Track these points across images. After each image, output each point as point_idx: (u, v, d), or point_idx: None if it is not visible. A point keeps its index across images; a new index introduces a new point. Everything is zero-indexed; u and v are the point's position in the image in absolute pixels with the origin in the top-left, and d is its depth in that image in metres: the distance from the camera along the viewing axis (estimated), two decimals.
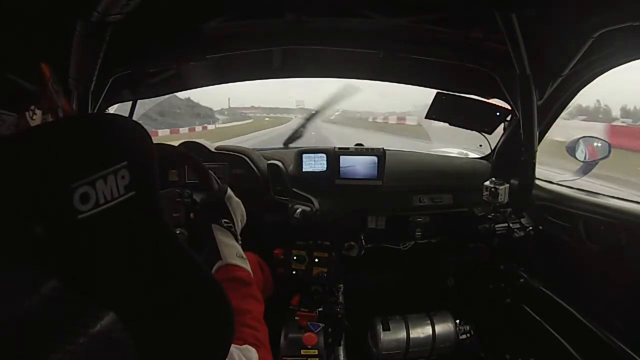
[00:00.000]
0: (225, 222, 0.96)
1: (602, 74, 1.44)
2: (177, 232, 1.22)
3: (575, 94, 1.58)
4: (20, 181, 0.35)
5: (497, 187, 1.60)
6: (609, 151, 1.65)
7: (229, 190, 1.03)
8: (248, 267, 0.92)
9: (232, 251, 0.91)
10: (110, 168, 0.39)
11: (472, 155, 2.24)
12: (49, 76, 0.70)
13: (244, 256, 0.94)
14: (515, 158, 1.68)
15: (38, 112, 0.67)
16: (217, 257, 0.90)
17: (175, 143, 1.66)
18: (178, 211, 1.24)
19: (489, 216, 1.63)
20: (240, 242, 0.98)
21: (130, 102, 1.80)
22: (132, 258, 0.41)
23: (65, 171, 0.37)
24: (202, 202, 1.08)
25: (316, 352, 1.51)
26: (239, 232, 1.00)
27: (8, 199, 0.35)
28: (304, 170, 1.75)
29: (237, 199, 1.04)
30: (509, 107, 1.69)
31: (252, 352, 0.72)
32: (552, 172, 1.96)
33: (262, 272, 1.42)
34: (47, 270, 0.35)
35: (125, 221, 0.41)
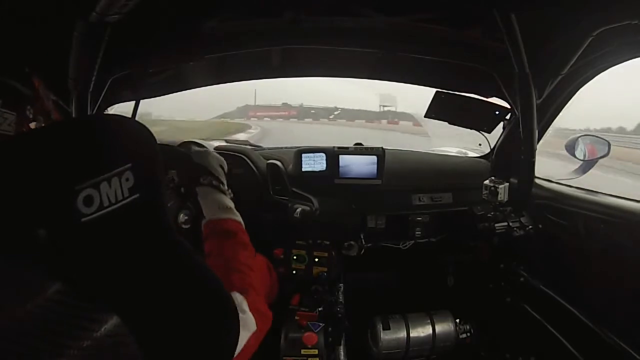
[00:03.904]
0: (203, 179, 0.97)
1: (601, 72, 1.44)
2: (182, 215, 1.24)
3: (575, 93, 1.58)
4: (23, 183, 0.35)
5: (496, 185, 1.59)
6: (609, 149, 1.65)
7: (193, 147, 1.04)
8: (234, 215, 0.92)
9: (214, 206, 0.93)
10: (114, 170, 0.39)
11: (471, 154, 2.24)
12: (39, 82, 0.70)
13: (230, 205, 0.94)
14: (514, 157, 1.68)
15: (33, 114, 0.67)
16: (203, 216, 0.92)
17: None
18: (170, 199, 1.24)
19: (489, 215, 1.63)
20: (229, 191, 0.99)
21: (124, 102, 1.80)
22: (135, 261, 0.41)
23: (69, 173, 0.37)
24: (180, 174, 1.09)
25: (316, 351, 1.51)
26: (223, 179, 1.01)
27: (10, 201, 0.34)
28: (303, 169, 1.75)
29: (203, 149, 1.05)
30: (508, 106, 1.69)
31: (240, 299, 0.69)
32: None
33: (270, 277, 1.42)
34: (51, 274, 0.35)
35: (129, 224, 0.40)
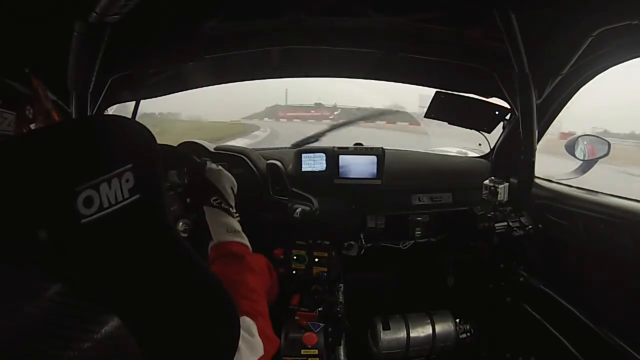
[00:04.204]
0: (214, 200, 0.97)
1: (601, 72, 1.44)
2: (181, 223, 1.24)
3: (575, 93, 1.58)
4: (23, 184, 0.35)
5: (496, 185, 1.59)
6: (609, 149, 1.65)
7: (208, 163, 1.04)
8: (241, 239, 0.93)
9: (222, 229, 0.92)
10: (114, 171, 0.39)
11: (471, 154, 2.24)
12: (37, 82, 0.70)
13: (237, 229, 0.94)
14: (514, 157, 1.68)
15: (33, 113, 0.67)
16: (210, 238, 0.92)
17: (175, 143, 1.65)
18: (174, 203, 1.24)
19: (489, 215, 1.63)
20: (236, 214, 0.99)
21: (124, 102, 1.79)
22: (136, 262, 0.41)
23: (69, 175, 0.36)
24: (191, 185, 1.09)
25: (316, 352, 1.51)
26: (232, 201, 1.01)
27: (11, 202, 0.34)
28: (303, 169, 1.75)
29: (218, 168, 1.04)
30: (508, 106, 1.69)
31: (249, 322, 0.70)
32: None
33: (270, 277, 1.42)
34: (51, 275, 0.35)
35: (129, 225, 0.40)
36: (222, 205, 0.97)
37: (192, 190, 1.05)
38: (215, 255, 0.89)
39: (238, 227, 0.95)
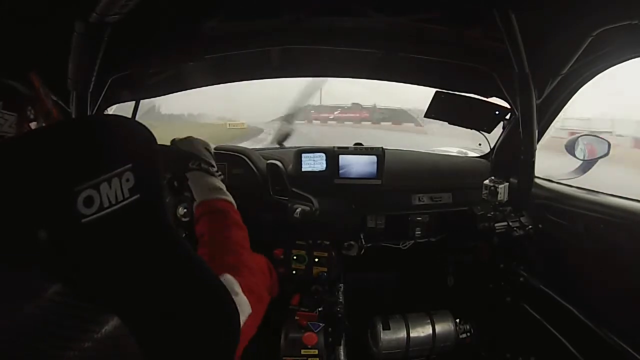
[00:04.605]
0: (191, 164, 0.98)
1: (601, 72, 1.44)
2: (180, 208, 1.24)
3: (575, 93, 1.58)
4: (23, 184, 0.35)
5: (496, 185, 1.60)
6: (609, 149, 1.65)
7: (175, 139, 1.06)
8: (225, 196, 0.93)
9: (204, 189, 0.93)
10: (114, 171, 0.38)
11: (471, 154, 2.24)
12: (39, 82, 0.70)
13: (220, 187, 0.94)
14: (514, 157, 1.68)
15: (34, 114, 0.67)
16: (193, 199, 0.93)
17: None
18: (166, 195, 1.24)
19: (489, 215, 1.63)
20: (218, 172, 1.00)
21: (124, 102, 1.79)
22: (136, 262, 0.41)
23: (69, 174, 0.36)
24: (171, 168, 1.10)
25: (316, 352, 1.51)
26: (211, 160, 1.01)
27: (10, 202, 0.34)
28: (303, 169, 1.75)
29: (185, 137, 1.06)
30: (508, 106, 1.69)
31: (231, 280, 0.67)
32: None
33: (270, 277, 1.42)
34: (52, 275, 0.35)
35: (129, 225, 0.40)
36: (202, 165, 0.98)
37: (176, 173, 1.06)
38: (201, 212, 0.89)
39: (221, 185, 0.95)
